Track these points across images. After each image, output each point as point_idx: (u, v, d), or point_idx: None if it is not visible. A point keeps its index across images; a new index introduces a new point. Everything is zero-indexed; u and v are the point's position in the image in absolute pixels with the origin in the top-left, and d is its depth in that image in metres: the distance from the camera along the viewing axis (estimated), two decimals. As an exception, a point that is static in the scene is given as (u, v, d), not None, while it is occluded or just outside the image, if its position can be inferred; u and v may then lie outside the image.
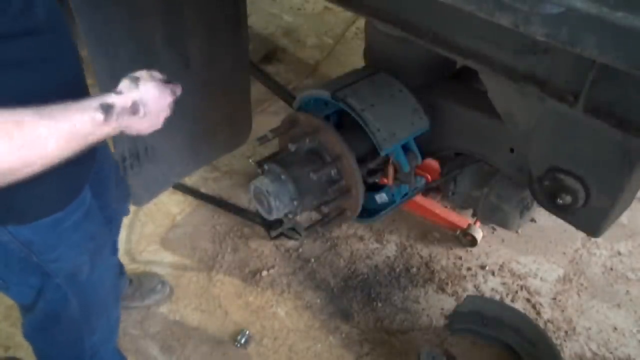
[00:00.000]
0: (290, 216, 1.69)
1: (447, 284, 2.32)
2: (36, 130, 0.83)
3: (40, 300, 1.33)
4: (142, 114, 0.99)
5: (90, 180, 1.23)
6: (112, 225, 1.64)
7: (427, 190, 2.07)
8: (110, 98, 0.95)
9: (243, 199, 2.61)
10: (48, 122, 0.84)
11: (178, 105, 1.15)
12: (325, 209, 1.81)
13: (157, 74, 1.05)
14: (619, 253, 2.50)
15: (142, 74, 1.02)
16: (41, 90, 0.93)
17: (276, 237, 2.45)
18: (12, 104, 0.81)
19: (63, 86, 1.05)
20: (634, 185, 1.23)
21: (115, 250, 1.74)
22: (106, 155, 1.48)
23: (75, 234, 1.21)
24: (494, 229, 2.55)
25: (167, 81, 1.07)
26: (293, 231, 2.45)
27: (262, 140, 1.66)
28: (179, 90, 1.11)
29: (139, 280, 2.16)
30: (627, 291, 2.33)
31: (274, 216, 1.63)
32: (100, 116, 0.91)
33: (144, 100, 0.99)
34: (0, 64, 0.91)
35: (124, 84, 1.00)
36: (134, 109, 0.97)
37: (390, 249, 2.47)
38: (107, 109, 0.92)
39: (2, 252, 1.16)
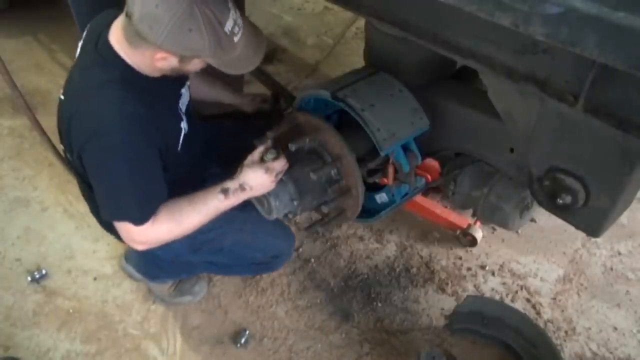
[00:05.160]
0: (290, 216, 1.69)
1: (447, 284, 2.32)
2: (190, 214, 1.48)
3: None
4: (249, 189, 1.51)
5: None
6: None
7: (427, 190, 2.07)
8: (227, 184, 1.51)
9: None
10: (196, 207, 1.48)
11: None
12: (325, 209, 1.81)
13: (269, 156, 1.53)
14: (619, 253, 2.50)
15: (248, 161, 1.54)
16: (181, 186, 1.54)
17: None
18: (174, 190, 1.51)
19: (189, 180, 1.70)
20: (634, 185, 1.23)
21: None
22: None
23: None
24: (494, 229, 2.55)
25: (276, 157, 1.52)
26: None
27: (261, 140, 1.65)
28: (278, 166, 1.52)
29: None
30: (627, 291, 2.34)
31: (273, 216, 1.63)
32: (221, 196, 1.50)
33: (247, 181, 1.51)
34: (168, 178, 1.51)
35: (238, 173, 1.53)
36: (242, 188, 1.50)
37: (390, 249, 2.47)
38: (225, 191, 1.50)
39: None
